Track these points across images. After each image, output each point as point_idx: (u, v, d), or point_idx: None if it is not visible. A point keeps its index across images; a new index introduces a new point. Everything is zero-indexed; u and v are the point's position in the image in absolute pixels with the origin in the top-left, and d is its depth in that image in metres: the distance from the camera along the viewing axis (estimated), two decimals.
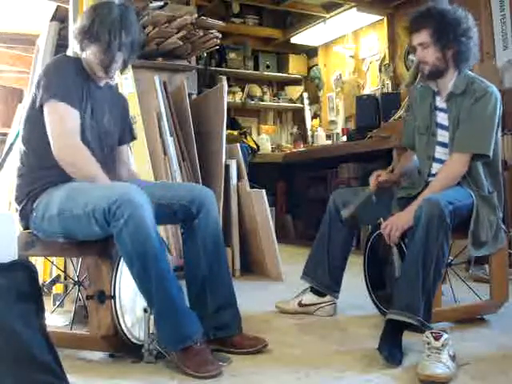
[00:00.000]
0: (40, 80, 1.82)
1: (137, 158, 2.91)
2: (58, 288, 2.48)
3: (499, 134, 2.10)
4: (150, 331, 1.74)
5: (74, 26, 1.93)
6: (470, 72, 2.14)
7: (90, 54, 1.88)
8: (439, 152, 2.15)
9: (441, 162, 2.14)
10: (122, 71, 1.97)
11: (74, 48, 1.94)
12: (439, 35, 2.03)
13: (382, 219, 2.10)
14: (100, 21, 1.84)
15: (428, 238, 1.81)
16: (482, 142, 2.03)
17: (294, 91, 6.31)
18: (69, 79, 1.82)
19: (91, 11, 1.89)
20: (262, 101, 6.13)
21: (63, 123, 1.78)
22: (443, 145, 2.14)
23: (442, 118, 2.15)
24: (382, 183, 2.23)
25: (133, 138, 2.19)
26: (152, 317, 1.73)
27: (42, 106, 1.80)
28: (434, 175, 2.14)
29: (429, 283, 1.82)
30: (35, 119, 1.82)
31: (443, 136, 2.14)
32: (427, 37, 2.05)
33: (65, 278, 2.52)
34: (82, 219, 1.69)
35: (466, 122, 2.05)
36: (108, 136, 1.99)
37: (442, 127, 2.14)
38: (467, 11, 2.08)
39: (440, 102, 2.17)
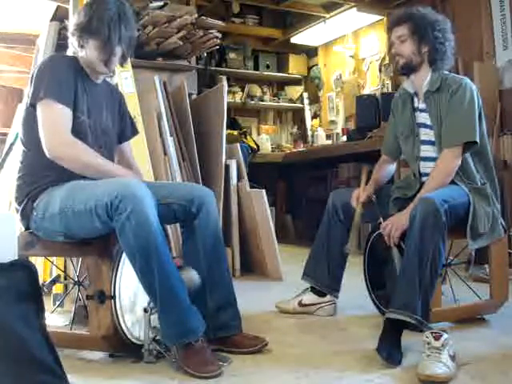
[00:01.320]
0: (32, 78, 1.82)
1: (137, 157, 2.88)
2: (57, 288, 2.48)
3: (484, 125, 2.13)
4: (151, 328, 1.74)
5: (70, 24, 1.92)
6: (443, 71, 2.18)
7: (89, 50, 1.87)
8: (424, 150, 2.19)
9: (428, 159, 2.17)
10: (121, 65, 1.97)
11: (71, 45, 1.93)
12: (417, 28, 2.13)
13: (381, 219, 2.11)
14: (98, 16, 1.83)
15: (423, 237, 1.82)
16: (469, 131, 2.06)
17: (294, 91, 6.31)
18: (61, 77, 1.81)
19: (88, 8, 1.88)
20: (262, 101, 6.13)
21: (54, 122, 1.77)
22: (427, 143, 2.18)
23: (424, 117, 2.19)
24: (364, 201, 2.24)
25: (135, 132, 2.19)
26: (152, 317, 1.73)
27: (33, 105, 1.80)
28: (425, 174, 2.17)
29: (426, 282, 1.82)
30: (32, 118, 1.82)
31: (426, 134, 2.18)
32: (406, 30, 2.15)
33: (65, 278, 2.51)
34: (84, 215, 1.69)
35: (448, 116, 2.09)
36: (106, 134, 1.98)
37: (425, 126, 2.19)
38: (445, 18, 2.21)
39: (419, 103, 2.22)
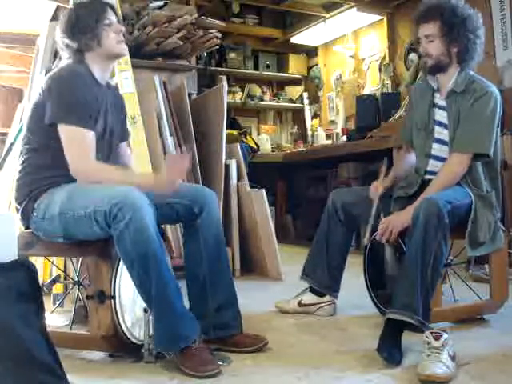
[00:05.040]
0: (51, 89, 1.79)
1: (137, 157, 2.90)
2: (57, 288, 2.48)
3: (498, 134, 2.10)
4: (150, 331, 1.74)
5: (61, 37, 1.91)
6: (470, 71, 2.13)
7: (93, 45, 1.87)
8: (435, 149, 2.16)
9: (437, 158, 2.15)
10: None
11: (74, 54, 1.93)
12: (447, 29, 2.02)
13: (382, 217, 2.11)
14: (81, 13, 1.88)
15: (426, 238, 1.82)
16: (482, 142, 2.03)
17: (294, 91, 6.31)
18: (83, 97, 1.80)
19: (69, 13, 1.93)
20: (262, 101, 6.13)
21: (79, 147, 1.77)
22: (440, 142, 2.14)
23: (441, 115, 2.15)
24: (382, 194, 2.21)
25: (128, 135, 2.20)
26: (151, 317, 1.73)
27: (53, 123, 1.78)
28: (430, 172, 2.15)
29: (427, 283, 1.82)
30: (39, 120, 1.81)
31: (440, 133, 2.14)
32: (435, 29, 2.04)
33: (65, 278, 2.52)
34: (83, 220, 1.70)
35: (466, 121, 2.05)
36: (113, 133, 2.00)
37: (440, 124, 2.14)
38: (478, 13, 2.08)
39: (439, 100, 2.16)
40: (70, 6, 3.01)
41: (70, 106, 1.78)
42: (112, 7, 1.94)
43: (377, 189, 2.20)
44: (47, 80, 1.83)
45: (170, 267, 1.71)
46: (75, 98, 1.79)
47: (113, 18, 1.92)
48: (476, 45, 2.06)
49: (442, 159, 2.12)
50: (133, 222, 1.61)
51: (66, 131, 1.78)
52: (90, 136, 1.80)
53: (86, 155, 1.78)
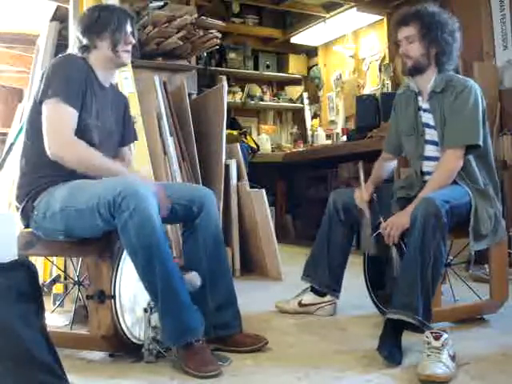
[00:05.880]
0: (44, 75, 1.83)
1: (137, 157, 2.90)
2: (57, 288, 2.48)
3: (487, 127, 2.14)
4: (151, 327, 1.74)
5: (76, 31, 1.95)
6: (447, 72, 2.17)
7: (103, 44, 1.90)
8: (429, 150, 2.18)
9: (432, 159, 2.17)
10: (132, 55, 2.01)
11: (81, 50, 1.95)
12: (426, 31, 2.08)
13: (382, 219, 2.11)
14: (106, 11, 1.92)
15: (424, 238, 1.82)
16: (471, 133, 2.06)
17: (294, 91, 6.31)
18: (72, 78, 1.82)
19: (92, 9, 1.95)
20: (262, 101, 6.13)
21: (57, 122, 1.78)
22: (432, 143, 2.17)
23: (427, 117, 2.18)
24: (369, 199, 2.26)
25: (135, 138, 2.21)
26: (152, 316, 1.73)
27: (41, 102, 1.80)
28: (427, 173, 2.17)
29: (427, 282, 1.82)
30: (37, 115, 1.82)
31: (431, 134, 2.17)
32: (415, 31, 2.10)
33: (65, 278, 2.52)
34: (86, 214, 1.69)
35: (451, 117, 2.08)
36: (113, 136, 2.00)
37: (429, 126, 2.18)
38: (453, 17, 2.16)
39: (423, 103, 2.20)
40: (70, 5, 3.01)
41: (58, 85, 1.79)
42: (132, 19, 1.97)
43: (362, 197, 2.23)
44: (46, 67, 1.87)
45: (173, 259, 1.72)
46: (65, 79, 1.80)
47: (129, 29, 1.94)
48: (453, 48, 2.13)
49: (435, 158, 2.15)
50: (137, 212, 1.61)
51: (48, 105, 1.78)
52: (71, 112, 1.79)
53: (64, 129, 1.77)
